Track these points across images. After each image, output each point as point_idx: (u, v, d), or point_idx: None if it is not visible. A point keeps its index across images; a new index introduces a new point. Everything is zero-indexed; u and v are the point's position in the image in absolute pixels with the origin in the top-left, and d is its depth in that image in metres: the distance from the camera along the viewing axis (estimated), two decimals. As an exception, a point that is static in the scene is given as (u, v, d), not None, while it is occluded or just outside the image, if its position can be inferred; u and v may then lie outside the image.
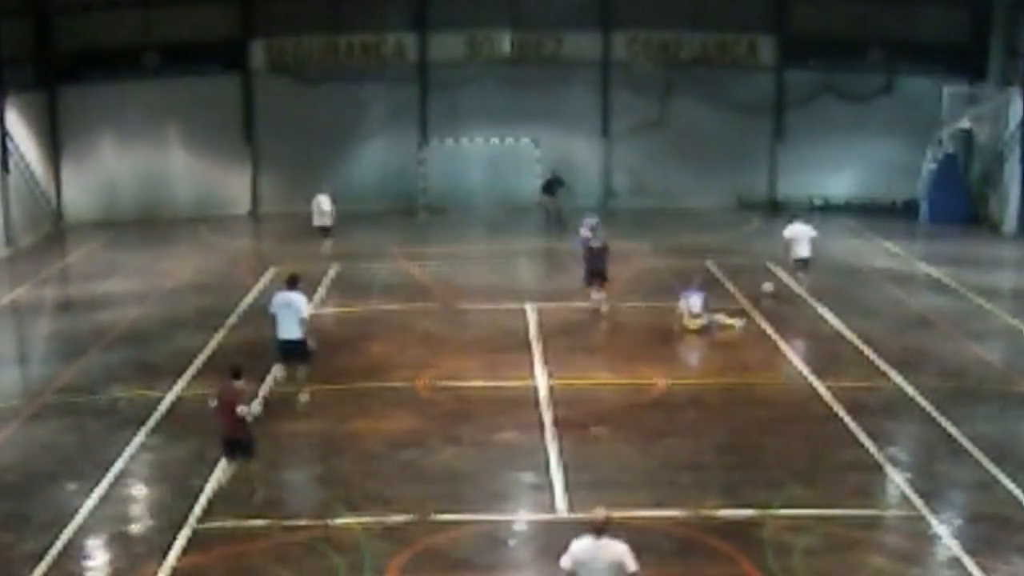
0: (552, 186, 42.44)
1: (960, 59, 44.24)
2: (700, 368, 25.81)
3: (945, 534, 16.83)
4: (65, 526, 17.18)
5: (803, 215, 35.52)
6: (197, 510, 17.70)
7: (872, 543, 16.61)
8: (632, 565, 12.65)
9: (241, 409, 18.16)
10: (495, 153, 45.20)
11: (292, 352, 22.58)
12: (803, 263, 31.64)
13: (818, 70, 45.54)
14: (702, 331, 27.79)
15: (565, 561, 12.82)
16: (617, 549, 12.74)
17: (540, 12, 45.74)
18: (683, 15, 45.62)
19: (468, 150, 45.49)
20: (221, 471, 18.68)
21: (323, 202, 37.41)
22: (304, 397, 22.78)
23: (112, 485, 18.88)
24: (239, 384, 18.65)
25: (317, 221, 37.52)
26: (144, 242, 40.85)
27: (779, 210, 45.15)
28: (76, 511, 17.74)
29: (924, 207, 43.74)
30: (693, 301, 28.13)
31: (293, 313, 22.42)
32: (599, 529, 12.79)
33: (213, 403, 18.66)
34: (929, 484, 18.67)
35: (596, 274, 29.59)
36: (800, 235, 31.55)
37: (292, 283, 22.99)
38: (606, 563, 12.67)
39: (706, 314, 28.02)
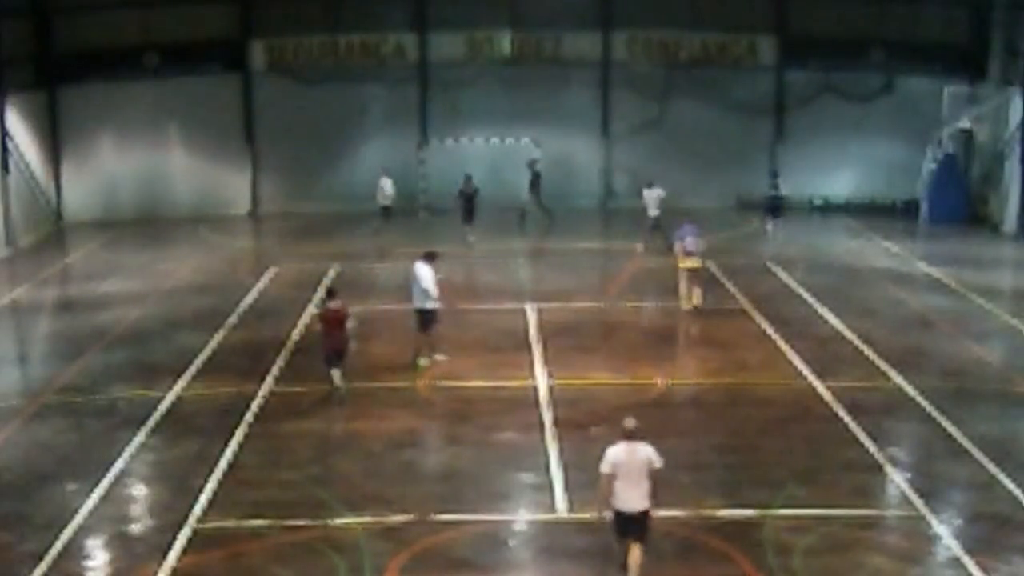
0: (536, 182, 42.78)
1: (960, 59, 44.24)
2: (700, 368, 25.77)
3: (945, 534, 16.84)
4: (65, 526, 17.19)
5: (658, 183, 38.14)
6: (197, 510, 17.72)
7: (872, 543, 16.62)
8: (658, 462, 15.08)
9: (351, 321, 22.90)
10: (495, 153, 45.19)
11: (421, 319, 25.16)
12: (654, 221, 36.92)
13: (818, 70, 45.51)
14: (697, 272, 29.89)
15: (604, 467, 15.07)
16: (647, 449, 15.10)
17: (540, 12, 45.76)
18: (683, 15, 45.67)
19: (468, 150, 45.47)
20: (334, 376, 22.85)
21: (387, 185, 40.31)
22: (424, 361, 25.20)
23: (112, 485, 18.90)
24: (338, 303, 23.18)
25: (381, 201, 40.27)
26: (144, 242, 40.85)
27: (780, 210, 45.22)
28: (76, 511, 17.76)
29: (924, 207, 43.76)
30: (688, 241, 29.61)
31: (417, 284, 25.02)
32: (630, 435, 15.11)
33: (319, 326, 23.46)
34: (929, 484, 18.68)
35: (469, 213, 38.71)
36: (649, 198, 37.29)
37: (427, 258, 25.32)
38: (639, 461, 14.95)
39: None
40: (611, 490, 15.07)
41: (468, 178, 39.74)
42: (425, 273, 25.01)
